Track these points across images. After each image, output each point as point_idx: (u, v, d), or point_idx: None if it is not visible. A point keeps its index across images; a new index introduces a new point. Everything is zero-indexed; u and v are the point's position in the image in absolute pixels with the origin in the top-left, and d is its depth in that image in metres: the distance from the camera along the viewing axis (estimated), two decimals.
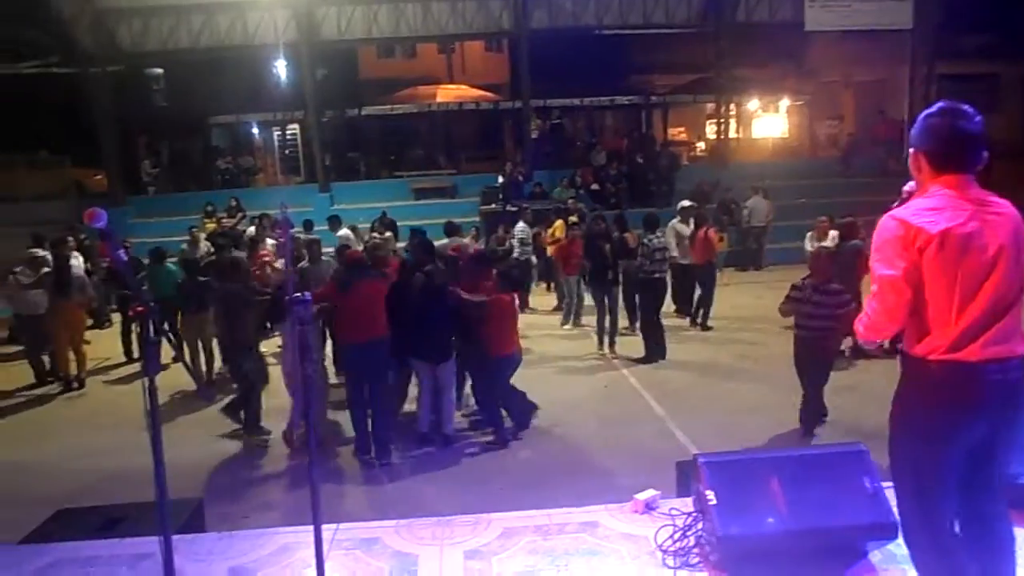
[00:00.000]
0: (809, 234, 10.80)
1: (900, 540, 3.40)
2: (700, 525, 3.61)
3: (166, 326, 9.51)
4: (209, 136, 23.72)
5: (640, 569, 3.54)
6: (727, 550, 3.41)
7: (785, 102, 25.03)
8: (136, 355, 9.98)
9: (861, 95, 23.79)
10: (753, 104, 24.69)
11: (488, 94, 24.07)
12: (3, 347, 11.72)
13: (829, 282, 6.26)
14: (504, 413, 6.84)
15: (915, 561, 2.81)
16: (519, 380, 7.95)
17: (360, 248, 8.85)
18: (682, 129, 26.87)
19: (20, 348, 10.37)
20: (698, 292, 11.02)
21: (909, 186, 2.71)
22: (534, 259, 12.95)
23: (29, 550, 4.01)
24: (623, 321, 10.05)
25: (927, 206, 2.54)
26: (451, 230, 11.10)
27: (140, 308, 2.81)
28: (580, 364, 9.27)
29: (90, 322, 11.78)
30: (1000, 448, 2.63)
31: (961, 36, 20.10)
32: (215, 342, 8.97)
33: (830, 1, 18.12)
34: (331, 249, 10.07)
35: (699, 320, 10.79)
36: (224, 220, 15.44)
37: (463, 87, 24.37)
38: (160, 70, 18.78)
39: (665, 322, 9.53)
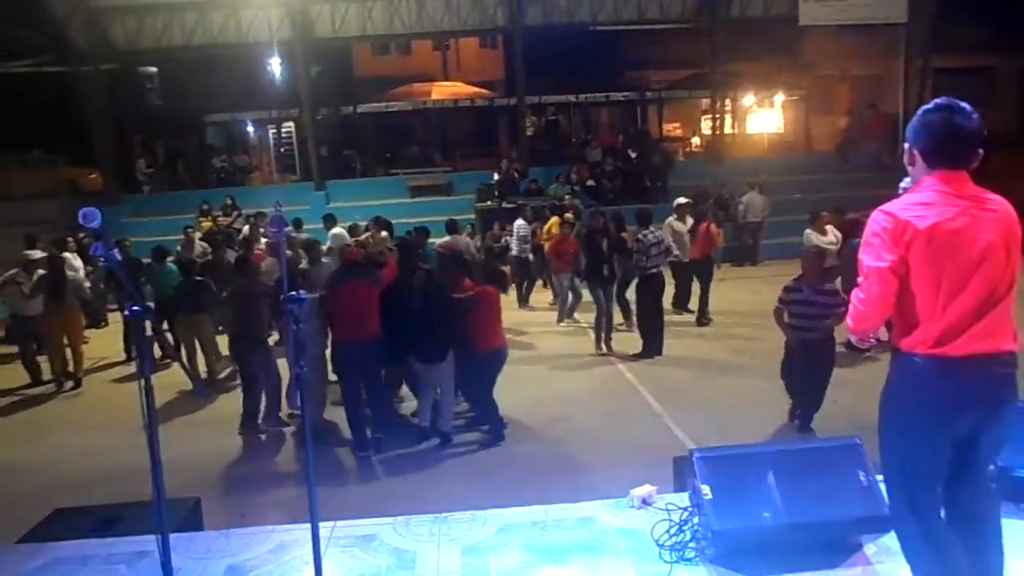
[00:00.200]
0: (807, 230, 10.78)
1: (894, 533, 3.44)
2: (696, 520, 3.62)
3: (165, 325, 9.56)
4: (204, 134, 23.65)
5: (637, 564, 3.55)
6: (723, 544, 3.43)
7: (780, 97, 25.02)
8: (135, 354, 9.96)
9: (857, 89, 23.79)
10: (748, 99, 24.68)
11: (483, 91, 24.04)
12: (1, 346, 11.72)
13: (823, 282, 6.26)
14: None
15: (905, 551, 2.84)
16: (519, 376, 7.98)
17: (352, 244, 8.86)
18: (677, 125, 26.86)
19: (16, 348, 10.36)
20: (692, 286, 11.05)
21: (906, 182, 2.73)
22: (531, 256, 12.92)
23: (26, 550, 4.01)
24: (618, 317, 10.06)
25: (918, 201, 2.56)
26: (452, 228, 11.09)
27: (135, 308, 2.80)
28: (577, 360, 9.27)
29: (86, 322, 11.78)
30: (985, 441, 2.66)
31: (956, 29, 20.10)
32: (216, 340, 9.01)
33: None
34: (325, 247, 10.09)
35: (696, 314, 10.82)
36: (220, 219, 15.41)
37: (458, 84, 24.35)
38: (154, 68, 18.68)
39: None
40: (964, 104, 2.57)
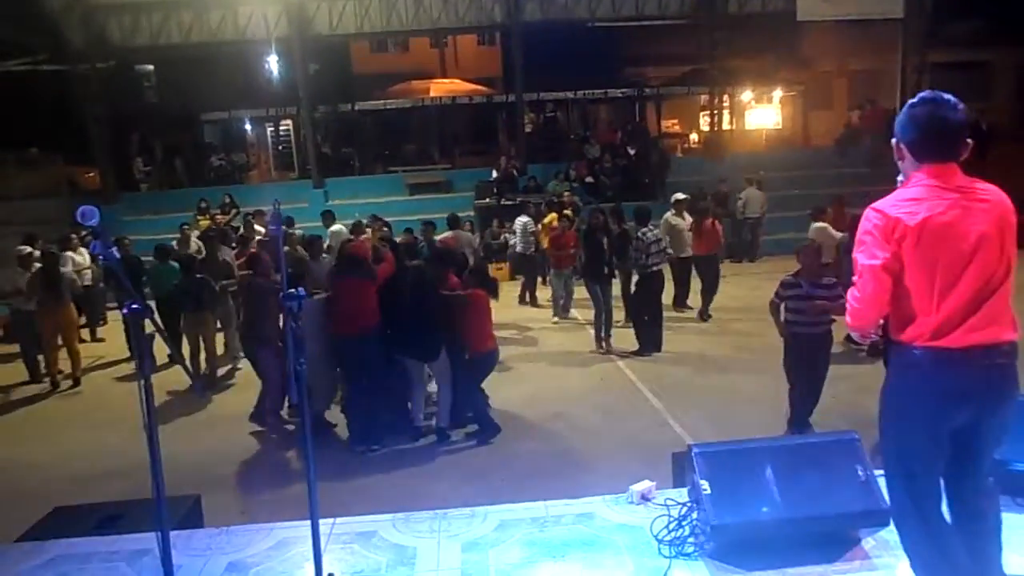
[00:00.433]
0: (819, 224, 10.74)
1: (893, 527, 3.44)
2: (695, 515, 3.63)
3: (163, 324, 9.56)
4: (201, 132, 23.63)
5: (636, 559, 3.56)
6: (721, 539, 3.44)
7: (778, 93, 25.03)
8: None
9: (855, 84, 23.80)
10: (746, 95, 24.68)
11: (481, 88, 24.03)
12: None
13: (822, 276, 6.22)
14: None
15: (905, 544, 2.85)
16: (519, 372, 7.99)
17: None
18: (676, 121, 26.85)
19: (15, 346, 10.38)
20: (691, 283, 11.06)
21: (902, 177, 2.74)
22: (535, 252, 12.91)
23: (26, 548, 4.02)
24: (619, 314, 10.07)
25: (908, 196, 2.57)
26: (454, 222, 11.08)
27: (134, 305, 2.81)
28: (577, 357, 9.28)
29: (83, 320, 11.78)
30: (985, 434, 2.67)
31: (953, 24, 20.12)
32: (218, 338, 9.03)
33: None
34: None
35: (700, 309, 10.87)
36: (218, 217, 15.39)
37: (456, 81, 24.32)
38: (151, 66, 18.71)
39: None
40: (949, 96, 2.57)
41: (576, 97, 23.66)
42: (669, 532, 3.66)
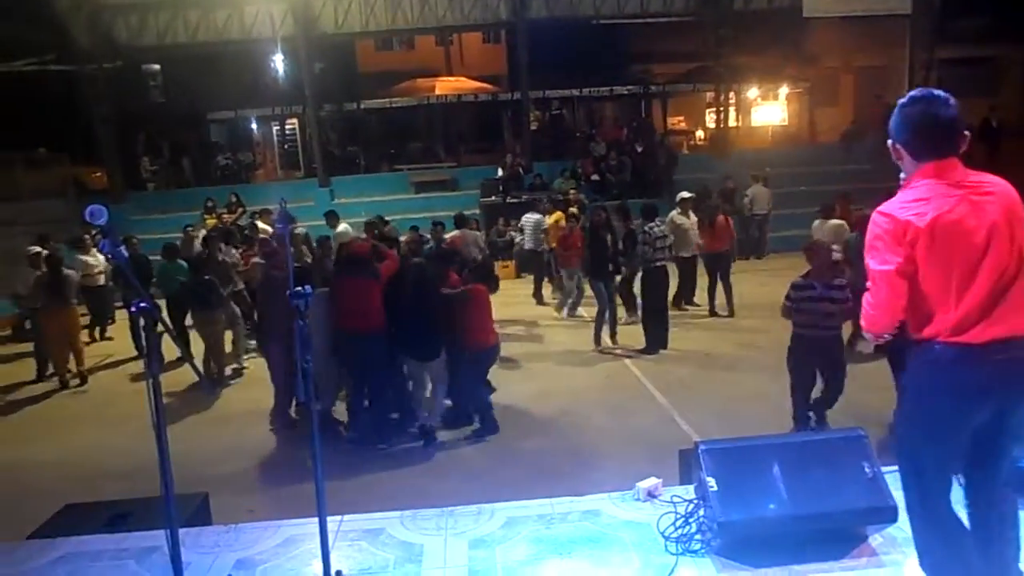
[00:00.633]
0: (833, 220, 10.69)
1: (900, 524, 3.44)
2: (702, 512, 3.63)
3: (171, 322, 9.61)
4: (208, 132, 23.69)
5: (643, 556, 3.57)
6: (728, 536, 3.44)
7: (784, 89, 24.95)
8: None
9: (861, 81, 23.71)
10: (752, 92, 24.62)
11: (487, 86, 24.02)
12: (6, 346, 11.78)
13: (834, 277, 6.12)
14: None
15: (917, 541, 2.84)
16: (526, 369, 7.99)
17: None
18: (681, 118, 26.81)
19: (24, 345, 10.46)
20: (695, 281, 11.03)
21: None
22: (547, 249, 12.89)
23: (37, 545, 4.05)
24: (621, 312, 10.07)
25: (913, 197, 2.55)
26: (461, 221, 11.09)
27: (142, 304, 2.82)
28: (584, 354, 9.28)
29: (91, 319, 11.84)
30: (1006, 430, 2.65)
31: (960, 20, 20.01)
32: (222, 337, 9.07)
33: None
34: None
35: (714, 307, 10.87)
36: (225, 216, 15.44)
37: (462, 79, 24.32)
38: (157, 66, 18.74)
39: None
40: (939, 92, 2.57)
41: (582, 95, 23.66)
42: (676, 529, 3.66)
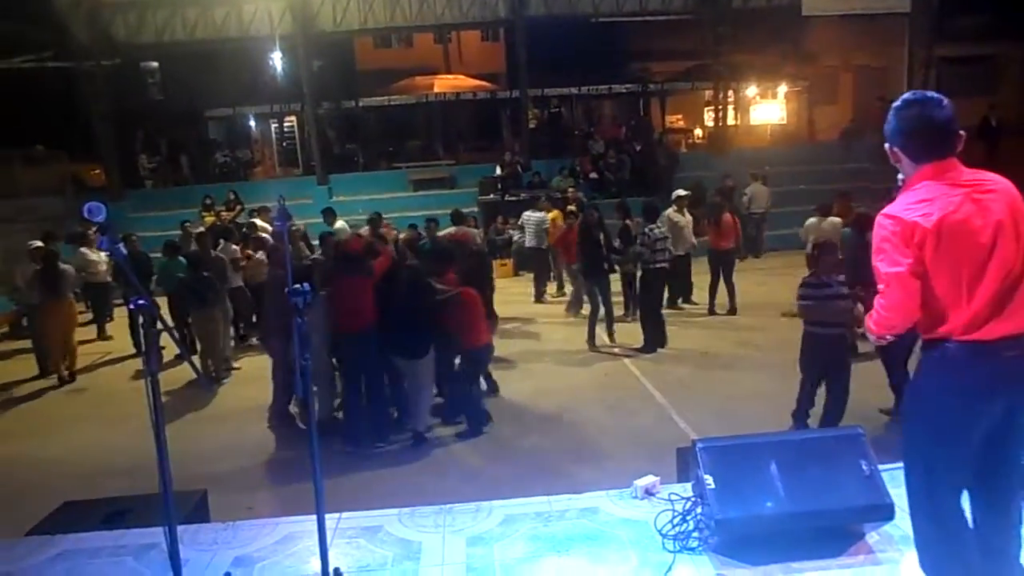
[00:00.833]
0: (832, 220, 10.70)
1: (897, 521, 3.46)
2: (699, 509, 3.64)
3: (181, 319, 9.63)
4: (206, 129, 23.66)
5: (640, 553, 3.57)
6: (726, 533, 3.45)
7: (783, 88, 24.95)
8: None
9: (860, 79, 23.73)
10: (751, 90, 24.62)
11: (485, 84, 24.00)
12: (4, 343, 11.78)
13: (840, 274, 6.11)
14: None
15: (918, 540, 2.85)
16: (524, 367, 7.99)
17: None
18: (680, 116, 26.81)
19: (22, 342, 10.45)
20: (693, 279, 11.04)
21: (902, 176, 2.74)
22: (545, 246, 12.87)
23: (36, 542, 4.05)
24: (618, 310, 10.07)
25: (916, 199, 2.55)
26: (457, 219, 11.08)
27: (140, 301, 2.83)
28: (582, 353, 9.29)
29: (89, 316, 11.84)
30: (1016, 427, 2.65)
31: (959, 18, 20.03)
32: (221, 334, 9.08)
33: None
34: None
35: (714, 305, 10.86)
36: (223, 213, 15.42)
37: (460, 77, 24.30)
38: (155, 63, 18.74)
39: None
40: (932, 94, 2.59)
41: (580, 93, 23.63)
42: (673, 527, 3.67)
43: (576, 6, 18.61)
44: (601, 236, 9.53)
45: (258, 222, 12.24)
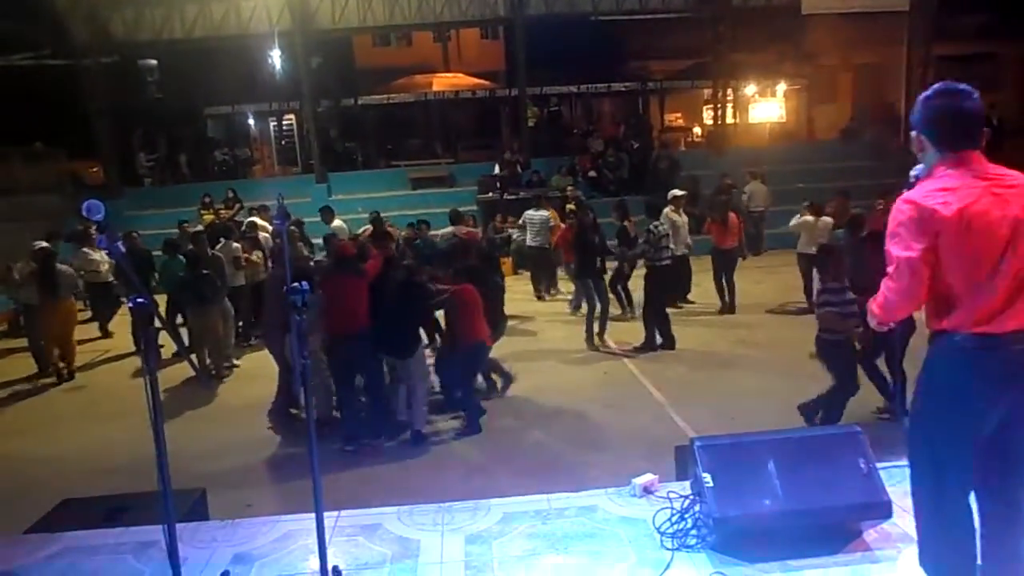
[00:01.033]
0: (825, 219, 10.71)
1: (894, 519, 3.47)
2: (698, 507, 3.65)
3: (179, 318, 9.64)
4: (205, 127, 23.64)
5: (639, 551, 3.58)
6: (724, 531, 3.45)
7: (782, 86, 24.95)
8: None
9: (859, 78, 23.73)
10: (750, 89, 24.62)
11: (484, 82, 24.01)
12: (2, 341, 11.77)
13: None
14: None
15: (921, 538, 2.86)
16: (523, 365, 7.99)
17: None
18: (679, 115, 26.81)
19: (19, 341, 10.44)
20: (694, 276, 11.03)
21: (917, 170, 2.74)
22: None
23: (34, 539, 4.06)
24: (615, 309, 10.07)
25: (939, 187, 2.56)
26: (456, 218, 11.08)
27: (139, 299, 2.82)
28: (581, 351, 9.29)
29: (89, 315, 11.84)
30: (1021, 423, 2.65)
31: (958, 17, 20.04)
32: (221, 332, 9.08)
33: None
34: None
35: (725, 304, 10.83)
36: (222, 212, 15.43)
37: (459, 75, 24.30)
38: (154, 61, 18.69)
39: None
40: (963, 86, 2.59)
41: (579, 91, 23.64)
42: (672, 525, 3.68)
43: (575, 4, 18.61)
44: (596, 237, 9.52)
45: (257, 221, 12.22)
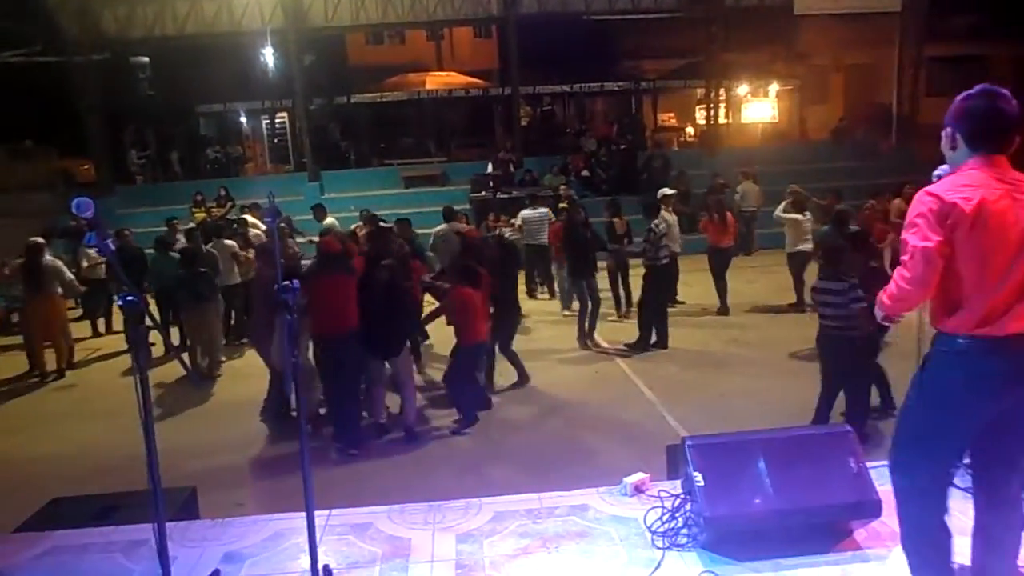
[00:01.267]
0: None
1: (884, 518, 3.48)
2: (688, 506, 3.66)
3: (170, 315, 9.61)
4: (197, 125, 23.56)
5: (629, 550, 3.59)
6: (714, 530, 3.47)
7: (775, 86, 25.02)
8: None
9: (851, 79, 23.82)
10: (743, 89, 24.67)
11: (477, 81, 23.99)
12: None
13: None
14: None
15: (903, 533, 2.88)
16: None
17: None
18: (672, 114, 26.84)
19: (12, 339, 10.38)
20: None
21: (940, 170, 2.77)
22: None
23: (24, 538, 4.04)
24: (607, 308, 10.07)
25: (963, 183, 2.58)
26: (449, 215, 11.08)
27: (129, 297, 2.81)
28: (573, 350, 9.28)
29: (79, 312, 11.78)
30: (1014, 426, 2.67)
31: (949, 18, 20.14)
32: (216, 330, 9.06)
33: None
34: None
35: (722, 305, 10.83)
36: (214, 210, 15.37)
37: (452, 74, 24.28)
38: (146, 58, 18.65)
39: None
40: (1003, 90, 2.63)
41: (572, 90, 23.63)
42: (662, 524, 3.68)
43: (568, 4, 18.62)
44: (588, 235, 9.52)
45: (248, 218, 12.19)
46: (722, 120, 21.18)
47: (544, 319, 11.00)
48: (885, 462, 3.80)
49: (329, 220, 11.96)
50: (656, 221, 9.20)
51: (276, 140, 25.20)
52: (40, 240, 9.75)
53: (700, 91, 22.31)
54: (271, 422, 7.08)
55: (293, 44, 18.01)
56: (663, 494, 3.91)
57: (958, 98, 2.67)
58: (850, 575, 3.29)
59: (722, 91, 20.95)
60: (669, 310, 10.68)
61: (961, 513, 2.94)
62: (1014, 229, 2.52)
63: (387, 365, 6.69)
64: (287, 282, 3.05)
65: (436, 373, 8.32)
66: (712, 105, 20.29)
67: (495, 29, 25.71)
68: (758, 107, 25.81)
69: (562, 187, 15.07)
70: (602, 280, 10.04)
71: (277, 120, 24.76)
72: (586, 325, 9.43)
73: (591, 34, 22.25)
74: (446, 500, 4.25)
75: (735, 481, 3.51)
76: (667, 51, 24.01)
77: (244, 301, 9.98)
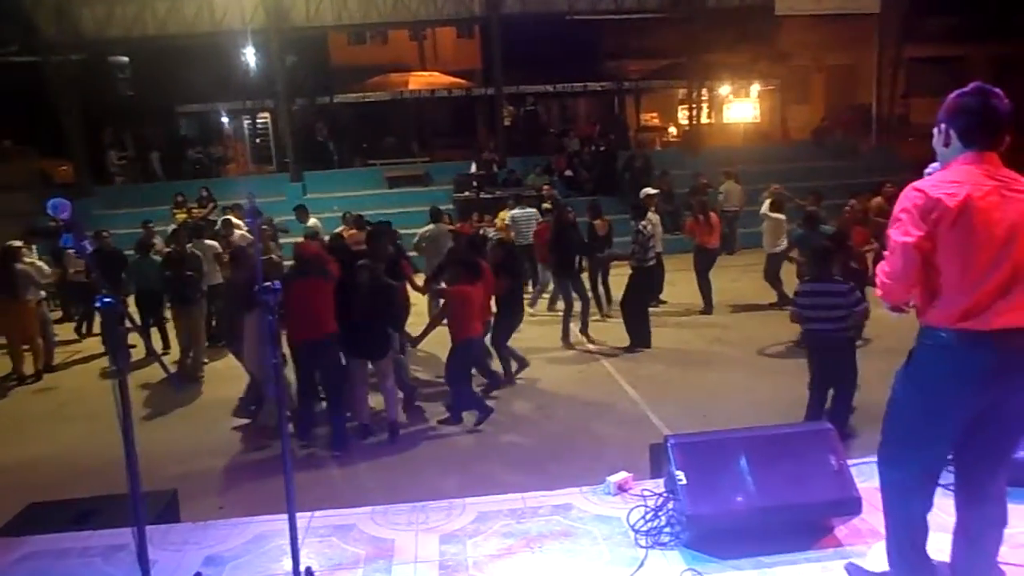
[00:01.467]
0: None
1: (864, 515, 3.51)
2: (671, 505, 3.67)
3: (150, 319, 9.51)
4: (177, 125, 23.35)
5: (613, 549, 3.59)
6: (697, 528, 3.48)
7: (756, 87, 25.17)
8: None
9: (831, 79, 24.02)
10: (725, 89, 24.80)
11: (460, 81, 23.93)
12: None
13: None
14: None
15: (887, 526, 2.92)
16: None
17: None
18: (655, 114, 26.93)
19: None
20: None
21: (932, 168, 2.80)
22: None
23: (1, 544, 3.98)
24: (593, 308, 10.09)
25: (951, 178, 2.61)
26: (435, 215, 11.06)
27: (106, 299, 2.78)
28: (557, 350, 9.29)
29: (59, 315, 11.65)
30: (1004, 419, 2.69)
31: (928, 19, 20.35)
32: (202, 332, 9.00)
33: None
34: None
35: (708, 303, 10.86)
36: (195, 211, 15.25)
37: (435, 74, 24.21)
38: (125, 58, 18.44)
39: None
40: (997, 89, 2.65)
41: (555, 90, 23.64)
42: (646, 522, 3.70)
43: (551, 4, 18.63)
44: (576, 236, 9.55)
45: (232, 219, 12.10)
46: (704, 120, 21.29)
47: (529, 319, 10.96)
48: (865, 459, 3.85)
49: (312, 221, 11.91)
50: (644, 223, 9.22)
51: (258, 140, 25.03)
52: (16, 244, 9.65)
53: (682, 91, 22.37)
54: (251, 428, 7.03)
55: (275, 44, 17.88)
56: (646, 493, 3.92)
57: (952, 95, 2.70)
58: (831, 572, 3.31)
59: (704, 91, 21.05)
60: (653, 310, 10.78)
61: (941, 510, 2.96)
62: (1000, 225, 2.53)
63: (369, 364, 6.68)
64: (268, 283, 3.03)
65: (422, 374, 8.32)
66: (694, 105, 20.37)
67: (478, 29, 25.64)
68: (740, 107, 25.94)
69: (545, 187, 15.09)
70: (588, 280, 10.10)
71: (259, 120, 24.59)
72: (571, 324, 9.44)
73: (574, 34, 22.26)
74: (429, 501, 4.24)
75: (717, 479, 3.53)
76: (650, 51, 24.07)
77: (227, 302, 9.90)
